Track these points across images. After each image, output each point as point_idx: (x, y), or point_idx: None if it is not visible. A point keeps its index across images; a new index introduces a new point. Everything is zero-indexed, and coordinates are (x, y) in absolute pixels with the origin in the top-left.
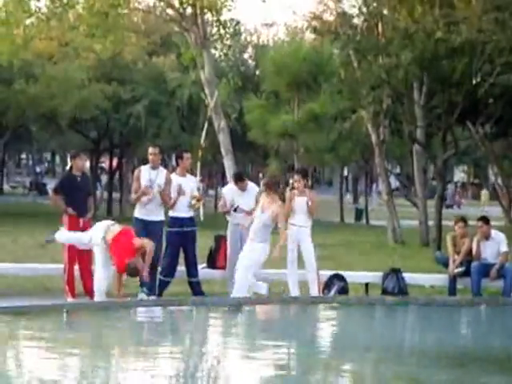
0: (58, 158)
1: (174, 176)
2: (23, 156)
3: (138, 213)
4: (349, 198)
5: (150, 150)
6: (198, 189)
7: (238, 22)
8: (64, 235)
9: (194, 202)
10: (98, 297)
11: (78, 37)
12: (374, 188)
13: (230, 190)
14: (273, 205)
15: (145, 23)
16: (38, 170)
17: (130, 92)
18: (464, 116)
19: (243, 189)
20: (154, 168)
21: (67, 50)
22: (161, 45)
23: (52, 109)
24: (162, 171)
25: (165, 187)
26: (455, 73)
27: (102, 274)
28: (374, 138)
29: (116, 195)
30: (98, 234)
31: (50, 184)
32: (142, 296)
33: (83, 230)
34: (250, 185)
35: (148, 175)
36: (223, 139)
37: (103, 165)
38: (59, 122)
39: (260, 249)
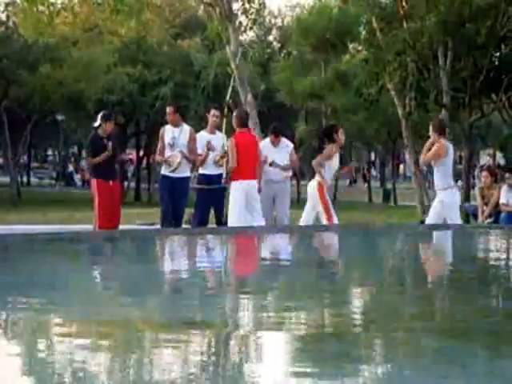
0: (84, 153)
1: (202, 133)
2: (49, 153)
3: (165, 170)
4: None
5: (167, 110)
6: (223, 146)
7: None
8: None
9: (218, 158)
10: None
11: (102, 20)
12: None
13: (263, 146)
14: None
15: (169, 6)
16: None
17: (156, 74)
18: (488, 83)
19: (276, 144)
20: (175, 126)
21: (91, 35)
22: (186, 27)
23: (78, 92)
24: (186, 129)
25: (190, 144)
26: (479, 36)
27: None
28: (400, 110)
29: (144, 185)
30: None
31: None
32: None
33: (112, 192)
34: (284, 141)
35: (171, 133)
36: (250, 112)
37: (130, 156)
38: (86, 105)
39: None
